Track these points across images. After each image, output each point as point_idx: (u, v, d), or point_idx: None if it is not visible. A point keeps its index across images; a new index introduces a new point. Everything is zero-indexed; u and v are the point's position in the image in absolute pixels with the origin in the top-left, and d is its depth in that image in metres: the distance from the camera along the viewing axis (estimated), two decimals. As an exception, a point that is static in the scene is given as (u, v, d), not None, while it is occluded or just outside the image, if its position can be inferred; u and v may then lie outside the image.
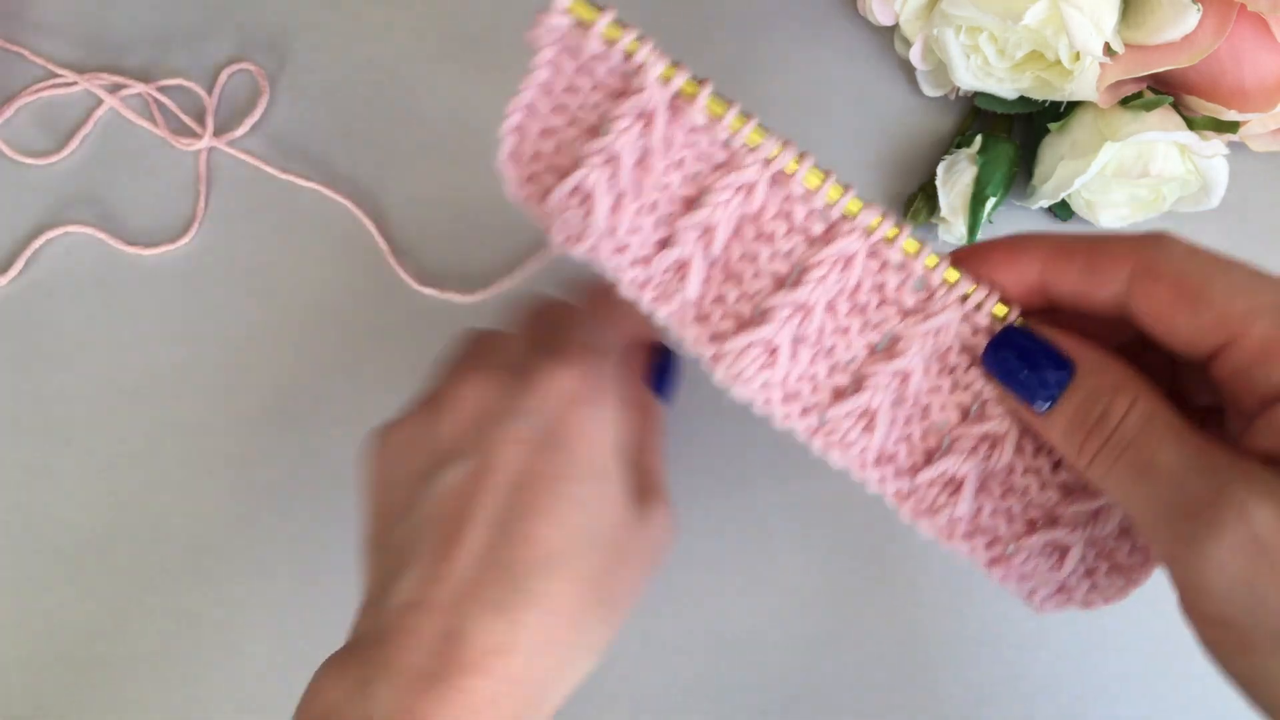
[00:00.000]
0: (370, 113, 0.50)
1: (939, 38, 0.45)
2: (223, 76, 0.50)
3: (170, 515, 0.47)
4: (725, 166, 0.32)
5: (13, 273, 0.48)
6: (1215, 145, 0.44)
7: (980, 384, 0.32)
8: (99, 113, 0.50)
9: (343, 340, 0.48)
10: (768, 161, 0.31)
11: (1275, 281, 0.27)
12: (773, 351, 0.32)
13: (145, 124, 0.50)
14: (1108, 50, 0.42)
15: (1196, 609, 0.27)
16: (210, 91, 0.50)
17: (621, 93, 0.32)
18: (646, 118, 0.31)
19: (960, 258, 0.32)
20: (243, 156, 0.49)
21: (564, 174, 0.32)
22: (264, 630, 0.46)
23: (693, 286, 0.32)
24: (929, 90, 0.49)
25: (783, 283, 0.32)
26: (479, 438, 0.34)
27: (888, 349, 0.32)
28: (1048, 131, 0.47)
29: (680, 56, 0.32)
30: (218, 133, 0.50)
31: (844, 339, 0.32)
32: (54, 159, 0.50)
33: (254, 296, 0.48)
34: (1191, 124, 0.45)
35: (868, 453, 0.32)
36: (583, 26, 0.31)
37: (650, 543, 0.36)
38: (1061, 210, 0.48)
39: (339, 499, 0.45)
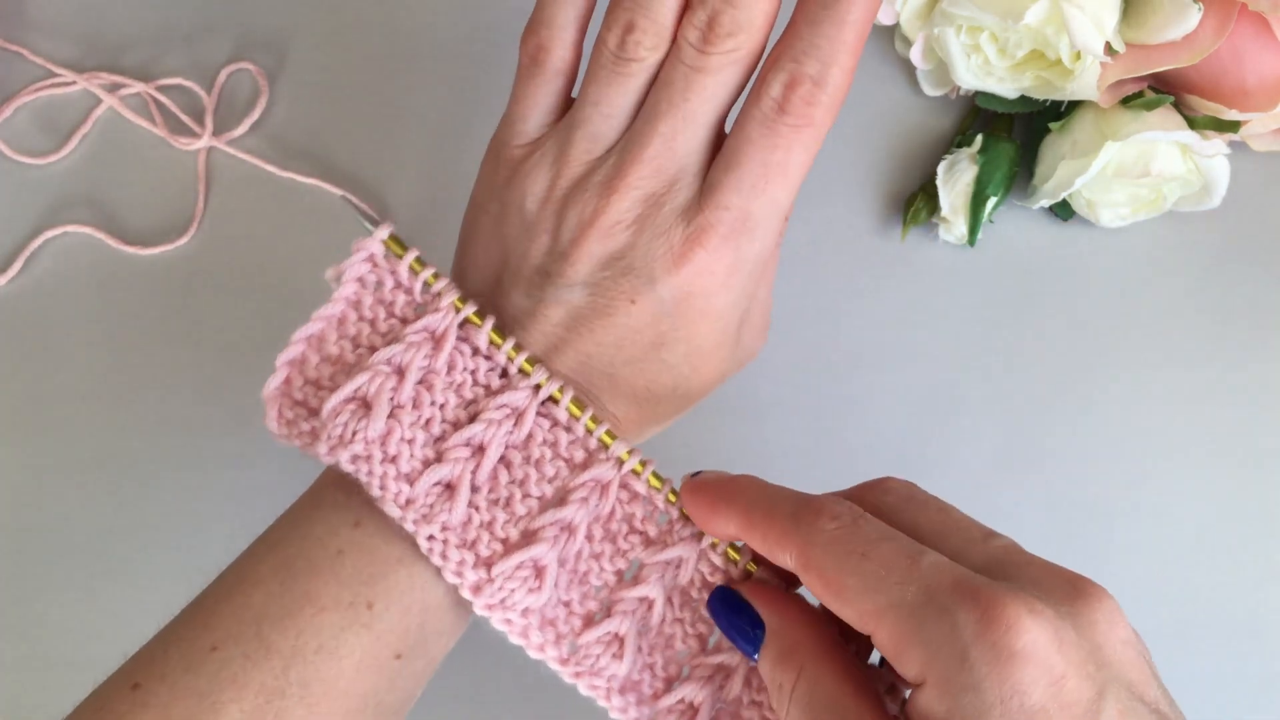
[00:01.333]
0: (370, 112, 0.50)
1: (939, 37, 0.45)
2: (222, 76, 0.50)
3: (170, 515, 0.47)
4: (499, 392, 0.33)
5: (12, 272, 0.48)
6: (1216, 145, 0.44)
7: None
8: (98, 112, 0.50)
9: (342, 340, 0.48)
10: (537, 389, 0.33)
11: (902, 575, 0.28)
12: (539, 573, 0.32)
13: (144, 123, 0.49)
14: (1109, 50, 0.42)
15: None
16: (210, 91, 0.50)
17: (412, 321, 0.34)
18: (437, 338, 0.33)
19: (683, 492, 0.33)
20: (242, 156, 0.49)
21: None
22: (264, 630, 0.46)
23: (459, 510, 0.32)
24: (929, 90, 0.49)
25: (548, 506, 0.33)
26: (602, 278, 0.34)
27: (634, 577, 0.33)
28: (1048, 131, 0.47)
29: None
30: (217, 132, 0.50)
31: (597, 564, 0.33)
32: (53, 158, 0.50)
33: (254, 296, 0.48)
34: (1192, 123, 0.45)
35: (614, 680, 0.33)
36: (390, 260, 0.34)
37: (721, 379, 0.37)
38: (1062, 210, 0.48)
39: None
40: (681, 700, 0.33)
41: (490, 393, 0.33)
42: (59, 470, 0.47)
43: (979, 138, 0.47)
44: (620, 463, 0.33)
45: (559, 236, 0.35)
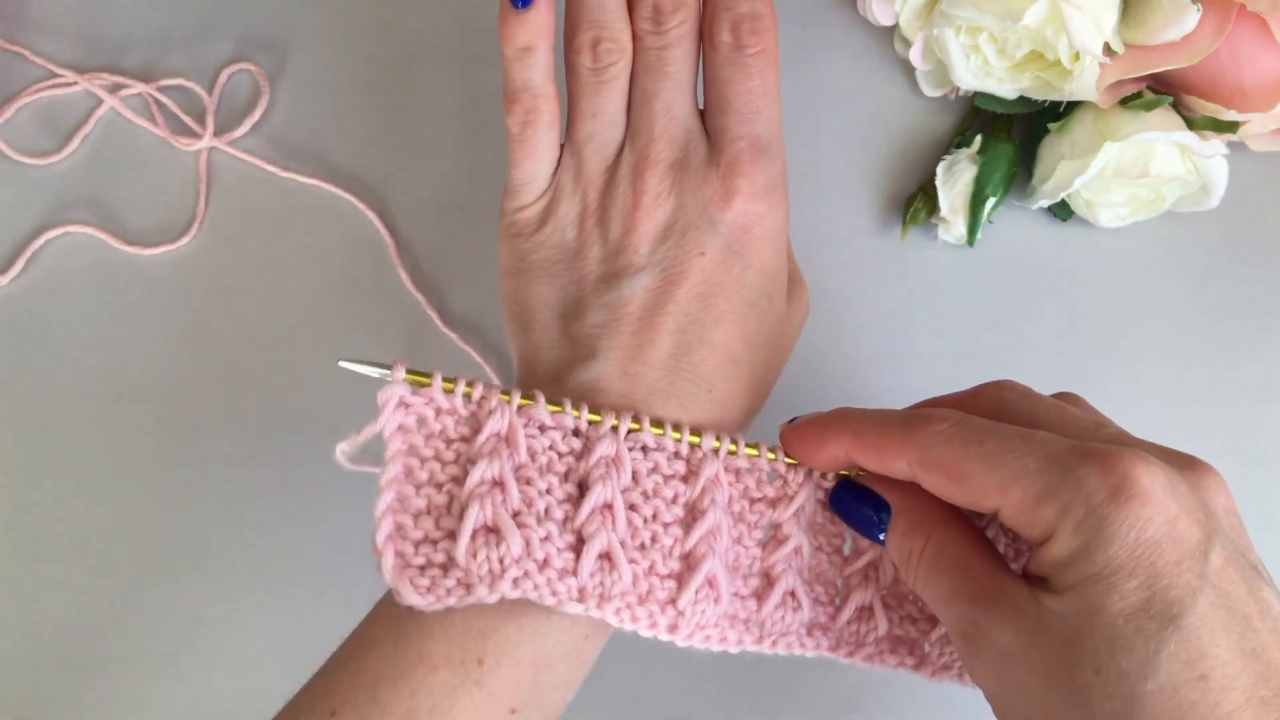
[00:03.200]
0: (370, 112, 0.50)
1: (939, 38, 0.45)
2: (223, 76, 0.50)
3: (170, 515, 0.47)
4: (586, 452, 0.34)
5: (13, 273, 0.48)
6: (1215, 145, 0.44)
7: (846, 529, 0.37)
8: (99, 113, 0.50)
9: (343, 340, 0.48)
10: (614, 429, 0.34)
11: (1020, 450, 0.31)
12: (713, 584, 0.34)
13: (145, 124, 0.50)
14: (1107, 50, 0.42)
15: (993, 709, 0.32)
16: (210, 91, 0.50)
17: (473, 437, 0.33)
18: (507, 437, 0.33)
19: (785, 437, 0.36)
20: (243, 156, 0.49)
21: (453, 533, 0.33)
22: (263, 629, 0.46)
23: (625, 572, 0.33)
24: (929, 90, 0.49)
25: (689, 526, 0.34)
26: (665, 250, 0.37)
27: (773, 539, 0.36)
28: (1048, 131, 0.47)
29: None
30: (218, 133, 0.50)
31: (742, 548, 0.35)
32: (54, 159, 0.50)
33: (254, 296, 0.48)
34: (1191, 124, 0.45)
35: (800, 628, 0.36)
36: (420, 393, 0.33)
37: (796, 327, 0.41)
38: (1061, 210, 0.48)
39: (339, 498, 0.45)
40: (856, 608, 0.36)
41: (578, 455, 0.34)
42: (59, 470, 0.47)
43: (978, 138, 0.47)
44: (715, 453, 0.35)
45: (608, 238, 0.37)
